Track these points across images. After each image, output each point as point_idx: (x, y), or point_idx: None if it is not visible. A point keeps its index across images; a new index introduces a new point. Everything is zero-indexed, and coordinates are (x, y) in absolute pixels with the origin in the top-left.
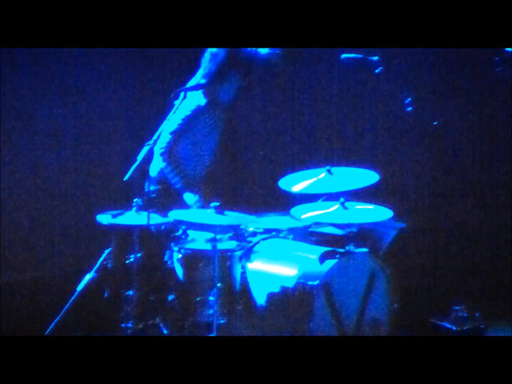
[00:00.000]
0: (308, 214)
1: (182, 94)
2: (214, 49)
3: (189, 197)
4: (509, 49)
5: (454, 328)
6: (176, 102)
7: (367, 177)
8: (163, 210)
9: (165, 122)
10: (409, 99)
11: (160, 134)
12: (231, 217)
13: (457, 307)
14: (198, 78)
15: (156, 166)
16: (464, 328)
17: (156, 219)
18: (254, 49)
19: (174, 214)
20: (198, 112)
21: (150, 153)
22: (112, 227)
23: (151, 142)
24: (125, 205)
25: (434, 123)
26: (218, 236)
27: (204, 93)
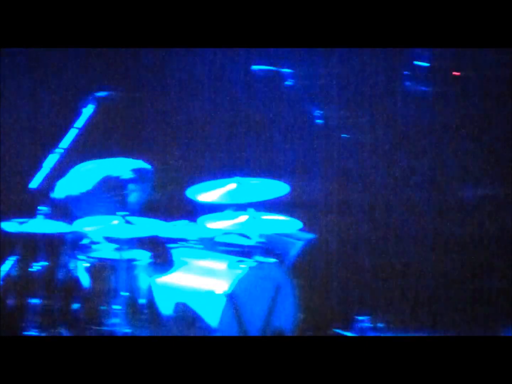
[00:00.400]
0: (216, 224)
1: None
2: None
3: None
4: (418, 63)
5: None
6: (85, 110)
7: (277, 188)
8: (70, 218)
9: (73, 129)
10: (319, 111)
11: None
12: (139, 226)
13: (361, 318)
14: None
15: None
16: (366, 336)
17: (62, 227)
18: None
19: (81, 223)
20: None
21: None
22: (17, 235)
23: (59, 149)
24: (31, 213)
25: (342, 135)
26: (124, 245)
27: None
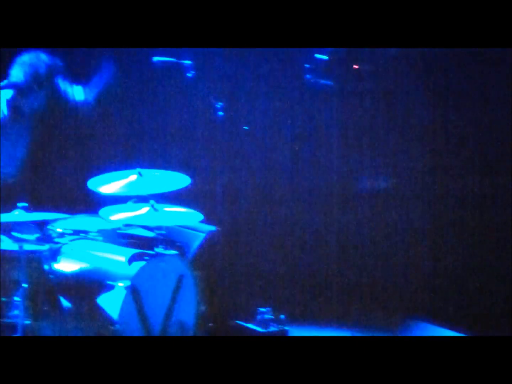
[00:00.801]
0: (117, 215)
1: None
2: (25, 58)
3: None
4: (320, 56)
5: (259, 329)
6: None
7: (178, 180)
8: None
9: None
10: (221, 104)
11: None
12: (39, 217)
13: (263, 309)
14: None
15: None
16: (270, 330)
17: None
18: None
19: None
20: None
21: None
22: None
23: None
24: None
25: (245, 128)
26: (25, 237)
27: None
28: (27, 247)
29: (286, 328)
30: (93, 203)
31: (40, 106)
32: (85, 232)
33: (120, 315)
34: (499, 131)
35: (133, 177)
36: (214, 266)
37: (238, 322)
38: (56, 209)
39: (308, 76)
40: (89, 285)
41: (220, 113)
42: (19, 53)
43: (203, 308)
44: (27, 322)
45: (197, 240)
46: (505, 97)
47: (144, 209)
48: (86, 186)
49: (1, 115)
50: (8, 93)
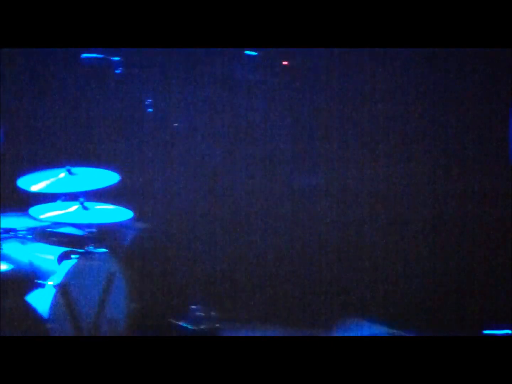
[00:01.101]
0: (47, 214)
1: None
2: None
3: None
4: (249, 52)
5: (191, 327)
6: None
7: (107, 177)
8: None
9: None
10: (150, 100)
11: None
12: None
13: (194, 307)
14: None
15: None
16: (201, 327)
17: None
18: None
19: None
20: None
21: None
22: None
23: None
24: None
25: (174, 124)
26: None
27: None
28: None
29: (217, 325)
30: (23, 202)
31: None
32: (15, 230)
33: (50, 313)
34: (499, 131)
35: (62, 174)
36: (145, 264)
37: (170, 320)
38: None
39: (237, 72)
40: (18, 284)
41: (150, 109)
42: None
43: (134, 305)
44: None
45: (128, 237)
46: (505, 97)
47: (74, 207)
48: (16, 185)
49: None
50: None
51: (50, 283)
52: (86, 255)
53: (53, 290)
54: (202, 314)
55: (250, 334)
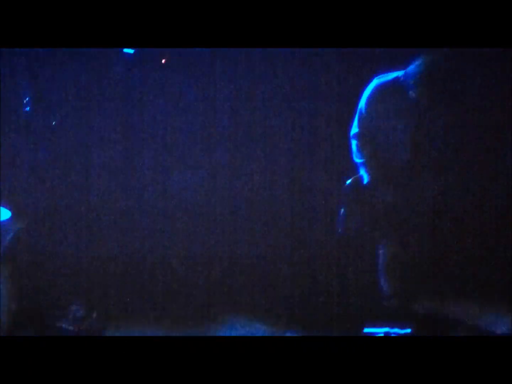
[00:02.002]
0: None
1: None
2: None
3: None
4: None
5: (71, 328)
6: None
7: None
8: None
9: None
10: (28, 98)
11: None
12: None
13: (74, 307)
14: None
15: None
16: (82, 327)
17: None
18: None
19: None
20: None
21: None
22: None
23: None
24: None
25: (53, 123)
26: None
27: None
28: None
29: (99, 325)
30: None
31: None
32: None
33: None
34: (499, 131)
35: None
36: (23, 264)
37: (49, 320)
38: None
39: (118, 70)
40: None
41: (27, 108)
42: None
43: (12, 306)
44: None
45: (5, 237)
46: (505, 97)
47: None
48: None
49: None
50: None
51: None
52: None
53: None
54: (82, 313)
55: (136, 334)
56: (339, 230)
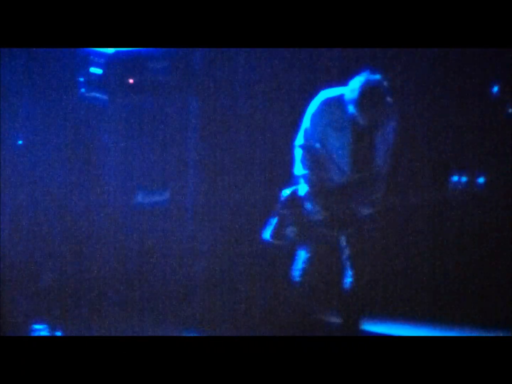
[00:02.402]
0: None
1: None
2: None
3: None
4: (94, 70)
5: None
6: None
7: None
8: None
9: None
10: None
11: None
12: None
13: (39, 326)
14: None
15: None
16: None
17: None
18: None
19: None
20: None
21: None
22: None
23: None
24: None
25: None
26: None
27: None
28: None
29: None
30: None
31: None
32: None
33: None
34: (499, 131)
35: None
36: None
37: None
38: None
39: (82, 89)
40: None
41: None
42: None
43: None
44: None
45: None
46: (505, 97)
47: None
48: None
49: None
50: None
51: None
52: None
53: None
54: (47, 333)
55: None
56: (270, 239)
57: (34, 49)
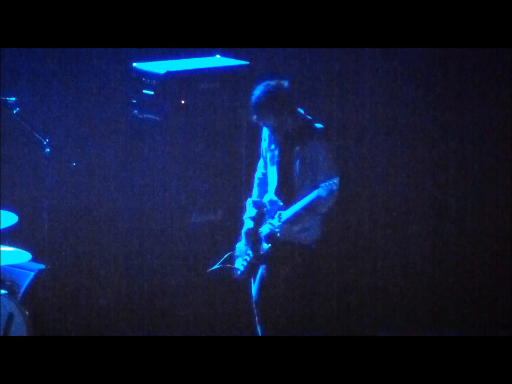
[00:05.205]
0: None
1: None
2: None
3: None
4: (147, 91)
5: None
6: None
7: (5, 218)
8: None
9: None
10: (48, 140)
11: None
12: None
13: None
14: None
15: None
16: None
17: None
18: None
19: None
20: None
21: None
22: None
23: None
24: None
25: (73, 164)
26: None
27: None
28: None
29: None
30: None
31: None
32: None
33: None
34: (499, 131)
35: None
36: (44, 304)
37: None
38: None
39: (135, 111)
40: None
41: (47, 149)
42: None
43: None
44: None
45: (27, 278)
46: (505, 97)
47: None
48: None
49: None
50: None
51: None
52: None
53: None
54: None
55: None
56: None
57: (89, 69)
